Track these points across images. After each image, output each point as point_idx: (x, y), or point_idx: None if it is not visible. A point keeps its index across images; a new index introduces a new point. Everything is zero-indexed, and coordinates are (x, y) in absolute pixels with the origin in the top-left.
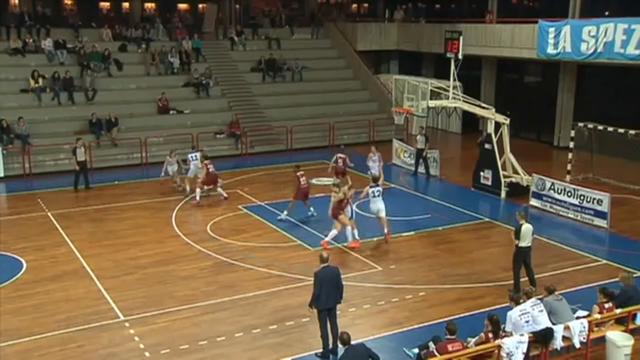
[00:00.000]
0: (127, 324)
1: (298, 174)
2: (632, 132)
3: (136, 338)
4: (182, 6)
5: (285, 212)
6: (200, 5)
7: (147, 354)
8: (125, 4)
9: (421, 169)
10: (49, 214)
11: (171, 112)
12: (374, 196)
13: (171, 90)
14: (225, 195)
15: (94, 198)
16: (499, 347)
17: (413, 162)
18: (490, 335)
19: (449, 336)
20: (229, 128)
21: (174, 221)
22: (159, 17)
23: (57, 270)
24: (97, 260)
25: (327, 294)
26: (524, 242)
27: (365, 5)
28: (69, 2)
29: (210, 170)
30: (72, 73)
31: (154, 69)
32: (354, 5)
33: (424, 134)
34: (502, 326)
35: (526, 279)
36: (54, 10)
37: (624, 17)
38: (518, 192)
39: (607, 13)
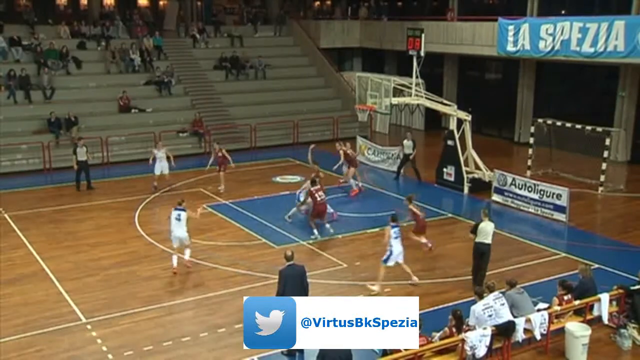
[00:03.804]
0: (89, 327)
1: (313, 189)
2: (588, 127)
3: (98, 340)
4: (142, 3)
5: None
6: (161, 2)
7: (110, 356)
8: (83, 1)
9: (383, 166)
10: (5, 215)
11: (133, 110)
12: None
13: (132, 89)
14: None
15: (54, 199)
16: (463, 340)
17: (378, 159)
18: (454, 329)
19: None
20: (192, 126)
21: (136, 221)
22: (118, 14)
23: (14, 274)
24: (57, 262)
25: (291, 292)
26: (480, 238)
27: (328, 2)
28: None
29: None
30: (29, 71)
31: (115, 67)
32: (317, 3)
33: (412, 139)
34: (466, 320)
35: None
36: (7, 6)
37: (579, 16)
38: (480, 187)
39: (563, 12)
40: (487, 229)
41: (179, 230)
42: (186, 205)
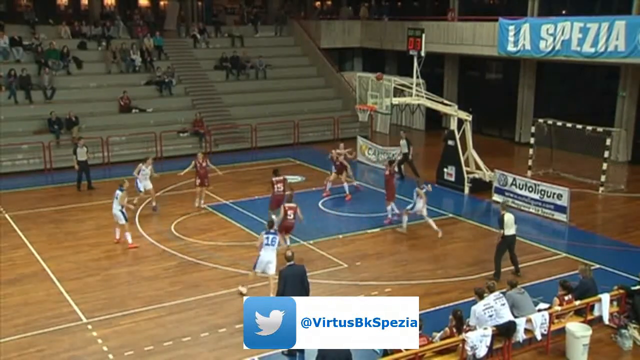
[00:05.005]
0: (89, 327)
1: (274, 179)
2: (589, 128)
3: (99, 340)
4: (143, 3)
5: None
6: (161, 2)
7: (110, 356)
8: (84, 1)
9: (384, 166)
10: (6, 215)
11: (133, 110)
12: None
13: (133, 89)
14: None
15: (54, 199)
16: (464, 341)
17: (378, 159)
18: (455, 330)
19: None
20: (193, 126)
21: (137, 221)
22: (119, 14)
23: (15, 274)
24: (57, 262)
25: (291, 292)
26: (509, 231)
27: (329, 2)
28: None
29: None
30: (29, 71)
31: (115, 67)
32: (318, 3)
33: (406, 138)
34: (466, 320)
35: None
36: (8, 6)
37: (579, 16)
38: (481, 187)
39: (563, 12)
40: (511, 220)
41: (114, 207)
42: (127, 187)
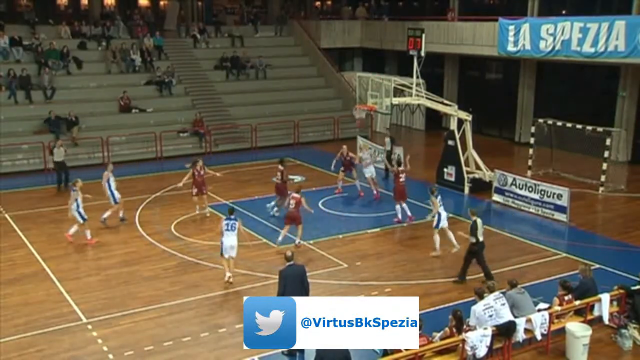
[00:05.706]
0: (89, 327)
1: (280, 167)
2: (589, 128)
3: (99, 340)
4: (143, 3)
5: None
6: (161, 2)
7: (110, 356)
8: (84, 1)
9: (383, 165)
10: (6, 215)
11: (133, 110)
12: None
13: (133, 89)
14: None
15: (54, 199)
16: (464, 341)
17: (378, 159)
18: (454, 330)
19: None
20: (193, 126)
21: (137, 221)
22: (119, 14)
23: (15, 274)
24: (57, 262)
25: (291, 292)
26: (482, 236)
27: (329, 2)
28: None
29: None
30: (29, 71)
31: (115, 67)
32: (318, 3)
33: (390, 137)
34: (466, 320)
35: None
36: (8, 6)
37: (579, 16)
38: (481, 187)
39: (563, 12)
40: (480, 226)
41: (72, 207)
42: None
